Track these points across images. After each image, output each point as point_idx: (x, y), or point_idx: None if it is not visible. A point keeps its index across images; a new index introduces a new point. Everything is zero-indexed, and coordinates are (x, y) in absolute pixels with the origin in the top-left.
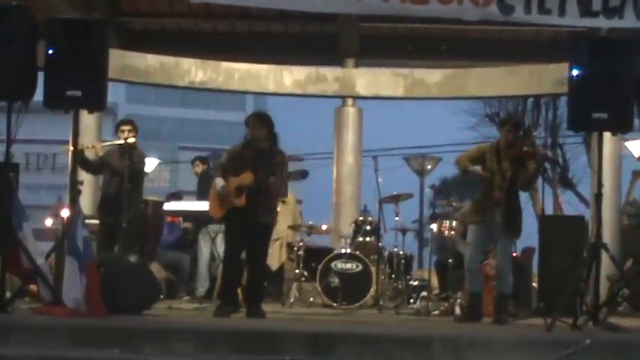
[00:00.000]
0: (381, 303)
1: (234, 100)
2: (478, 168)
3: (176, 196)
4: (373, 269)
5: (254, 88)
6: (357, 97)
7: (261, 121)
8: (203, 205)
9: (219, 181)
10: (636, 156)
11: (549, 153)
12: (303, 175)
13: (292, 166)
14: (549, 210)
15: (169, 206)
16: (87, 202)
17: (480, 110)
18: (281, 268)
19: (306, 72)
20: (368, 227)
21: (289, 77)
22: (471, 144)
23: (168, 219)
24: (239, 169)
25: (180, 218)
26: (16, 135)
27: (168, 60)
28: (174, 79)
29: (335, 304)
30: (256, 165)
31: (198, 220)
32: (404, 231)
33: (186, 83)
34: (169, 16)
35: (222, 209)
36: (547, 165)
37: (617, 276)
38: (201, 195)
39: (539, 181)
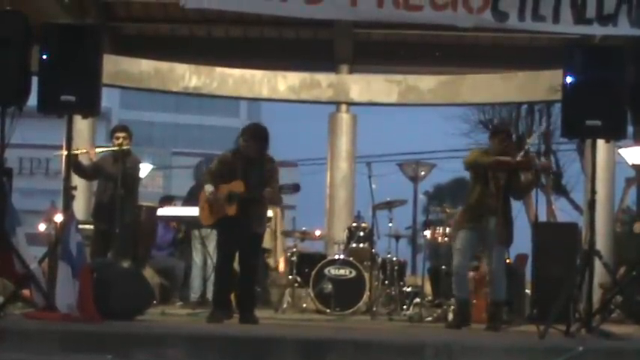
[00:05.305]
0: (374, 309)
1: (228, 105)
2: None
3: (167, 199)
4: (366, 275)
5: (248, 93)
6: (350, 103)
7: (259, 135)
8: (196, 211)
9: (208, 187)
10: (630, 163)
11: (552, 165)
12: (295, 188)
13: (285, 176)
14: (543, 217)
15: (163, 212)
16: (80, 207)
17: (474, 117)
18: (267, 273)
19: (300, 78)
20: (361, 233)
21: (283, 83)
22: (464, 150)
23: None
24: (229, 176)
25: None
26: (9, 140)
27: (163, 65)
28: (168, 84)
29: (328, 310)
30: (246, 174)
31: (191, 225)
32: (397, 237)
33: (180, 88)
34: (163, 22)
35: (213, 217)
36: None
37: (610, 283)
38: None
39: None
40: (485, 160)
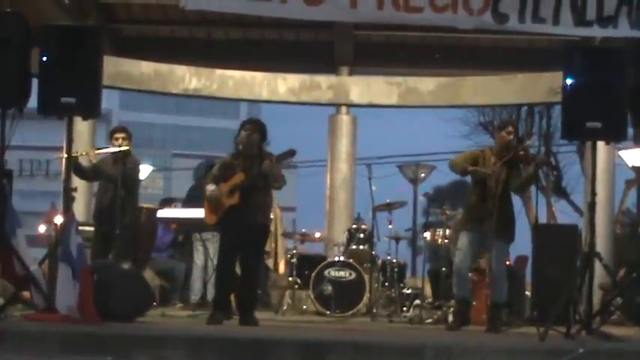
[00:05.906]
0: (374, 311)
1: (228, 107)
2: (478, 167)
3: (167, 201)
4: (366, 277)
5: (248, 95)
6: (351, 105)
7: (258, 127)
8: (197, 212)
9: (210, 187)
10: (630, 165)
11: (552, 160)
12: (291, 153)
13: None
14: (543, 218)
15: (163, 213)
16: (81, 208)
17: (474, 119)
18: (267, 275)
19: (300, 80)
20: (361, 235)
21: (283, 85)
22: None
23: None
24: (229, 176)
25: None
26: (10, 141)
27: (163, 67)
28: (168, 86)
29: (328, 312)
30: (246, 167)
31: (192, 226)
32: (397, 239)
33: (180, 90)
34: (164, 23)
35: (216, 215)
36: (542, 173)
37: (610, 285)
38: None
39: (533, 189)
40: (462, 166)
